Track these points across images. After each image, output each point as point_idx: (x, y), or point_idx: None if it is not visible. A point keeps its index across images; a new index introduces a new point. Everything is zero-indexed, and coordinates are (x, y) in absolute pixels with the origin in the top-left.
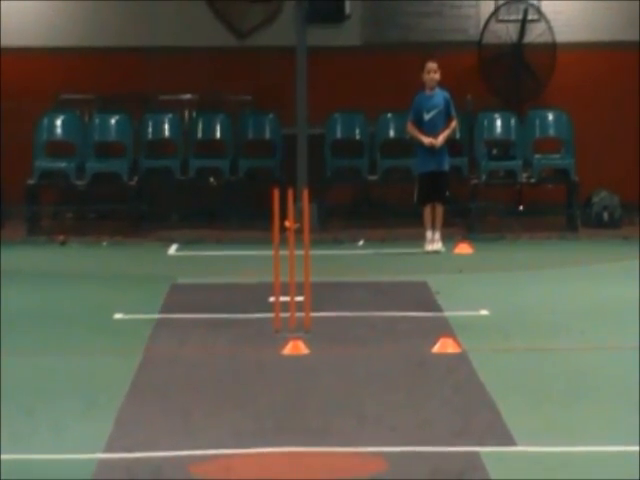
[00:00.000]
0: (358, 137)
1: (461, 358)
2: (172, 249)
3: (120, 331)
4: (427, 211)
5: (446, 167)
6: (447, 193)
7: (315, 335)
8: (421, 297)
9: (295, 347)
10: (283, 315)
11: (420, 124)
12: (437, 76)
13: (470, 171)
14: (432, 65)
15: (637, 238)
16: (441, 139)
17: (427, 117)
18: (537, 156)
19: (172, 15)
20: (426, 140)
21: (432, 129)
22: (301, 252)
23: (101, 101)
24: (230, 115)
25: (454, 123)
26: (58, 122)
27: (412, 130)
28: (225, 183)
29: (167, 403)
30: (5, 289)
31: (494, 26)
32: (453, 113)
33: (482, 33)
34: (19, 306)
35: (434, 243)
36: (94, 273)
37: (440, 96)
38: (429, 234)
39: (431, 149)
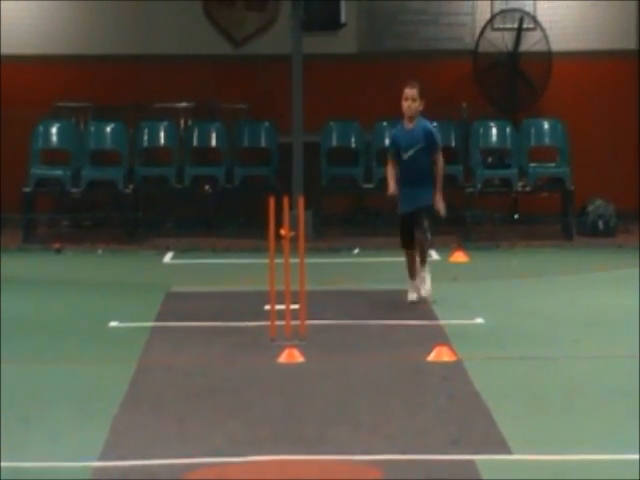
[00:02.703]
0: (354, 145)
1: (456, 366)
2: (167, 257)
3: (115, 339)
4: (410, 257)
5: (427, 203)
6: (426, 224)
7: (310, 343)
8: (417, 305)
9: (290, 355)
10: (278, 323)
11: (399, 163)
12: (416, 105)
13: (465, 179)
14: (409, 92)
15: (632, 247)
16: (440, 206)
17: (405, 156)
18: (532, 165)
19: (168, 23)
20: (390, 189)
21: (411, 171)
22: (296, 260)
23: (97, 109)
24: (226, 123)
25: (440, 164)
26: (54, 130)
27: (388, 172)
28: (220, 191)
29: (162, 411)
30: (0, 297)
31: (490, 34)
32: (438, 147)
33: (478, 41)
34: (14, 314)
35: (415, 289)
36: (89, 281)
37: (420, 129)
38: (409, 284)
39: (409, 188)
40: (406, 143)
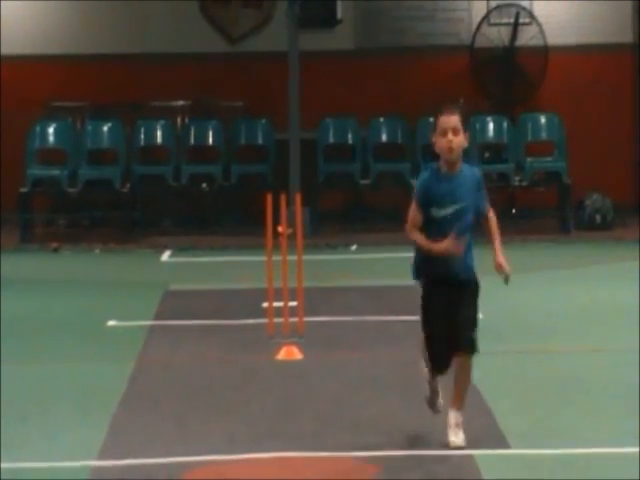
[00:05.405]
0: (350, 142)
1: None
2: (165, 255)
3: (113, 338)
4: (436, 380)
5: (469, 275)
6: (475, 330)
7: (309, 340)
8: (415, 301)
9: (289, 352)
10: (276, 320)
11: (428, 224)
12: (460, 140)
13: None
14: (448, 120)
15: (629, 240)
16: (503, 262)
17: (439, 215)
18: (529, 159)
19: (164, 21)
20: (438, 247)
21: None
22: (294, 257)
23: (93, 108)
24: (222, 121)
25: (494, 220)
26: (50, 130)
27: (415, 234)
28: (218, 189)
29: (160, 410)
30: None
31: (486, 30)
32: (486, 202)
33: (474, 37)
34: (12, 313)
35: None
36: (87, 280)
37: (467, 178)
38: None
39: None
40: (444, 197)
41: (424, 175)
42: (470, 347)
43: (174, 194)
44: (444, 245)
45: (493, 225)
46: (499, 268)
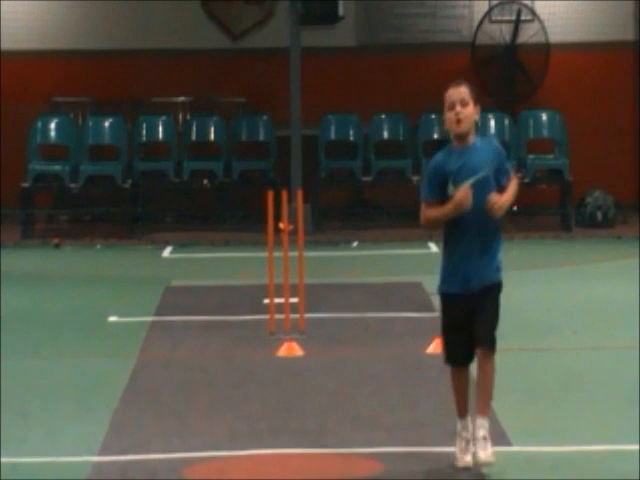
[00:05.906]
0: (352, 138)
1: None
2: (166, 251)
3: (114, 334)
4: (458, 378)
5: (495, 279)
6: (496, 326)
7: (310, 337)
8: (416, 298)
9: (290, 349)
10: (277, 317)
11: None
12: (469, 111)
13: None
14: (455, 92)
15: (630, 237)
16: (500, 201)
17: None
18: (531, 156)
19: (166, 17)
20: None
21: (467, 218)
22: (295, 254)
23: (95, 104)
24: (224, 117)
25: (514, 186)
26: (52, 125)
27: (432, 214)
28: (219, 185)
29: (161, 405)
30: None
31: (487, 27)
32: (509, 171)
33: (475, 34)
34: (13, 309)
35: (467, 444)
36: (88, 276)
37: (483, 148)
38: (460, 425)
39: (462, 251)
40: (459, 170)
41: (436, 156)
42: (490, 345)
43: (175, 190)
44: (457, 197)
45: (512, 186)
46: (490, 203)
